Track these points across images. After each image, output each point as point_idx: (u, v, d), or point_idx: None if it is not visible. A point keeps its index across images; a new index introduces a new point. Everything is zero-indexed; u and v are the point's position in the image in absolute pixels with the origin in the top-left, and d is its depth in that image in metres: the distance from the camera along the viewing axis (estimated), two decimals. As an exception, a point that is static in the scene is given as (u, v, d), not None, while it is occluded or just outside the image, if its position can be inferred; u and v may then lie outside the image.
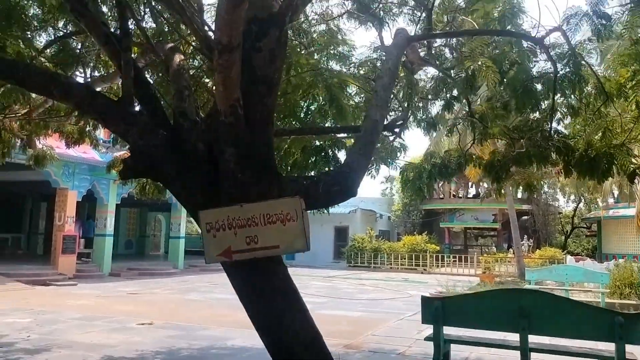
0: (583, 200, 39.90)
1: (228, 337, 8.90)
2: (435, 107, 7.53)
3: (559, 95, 5.68)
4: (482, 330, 5.54)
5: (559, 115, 6.28)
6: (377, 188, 62.72)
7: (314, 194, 3.65)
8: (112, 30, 4.55)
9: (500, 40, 5.96)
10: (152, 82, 5.87)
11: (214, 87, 4.45)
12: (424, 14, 6.33)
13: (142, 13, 5.84)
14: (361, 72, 6.98)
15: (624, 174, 5.80)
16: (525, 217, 34.70)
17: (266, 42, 3.58)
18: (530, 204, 33.14)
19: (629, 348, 4.63)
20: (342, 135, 6.84)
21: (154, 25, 6.08)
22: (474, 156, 6.91)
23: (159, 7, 5.59)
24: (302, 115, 6.71)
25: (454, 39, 6.76)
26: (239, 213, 3.60)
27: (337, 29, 6.78)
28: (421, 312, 5.38)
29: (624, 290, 13.42)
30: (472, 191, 37.52)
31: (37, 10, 5.98)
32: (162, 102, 4.87)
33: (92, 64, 6.81)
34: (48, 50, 6.36)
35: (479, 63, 5.25)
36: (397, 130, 6.88)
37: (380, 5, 6.51)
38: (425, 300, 5.38)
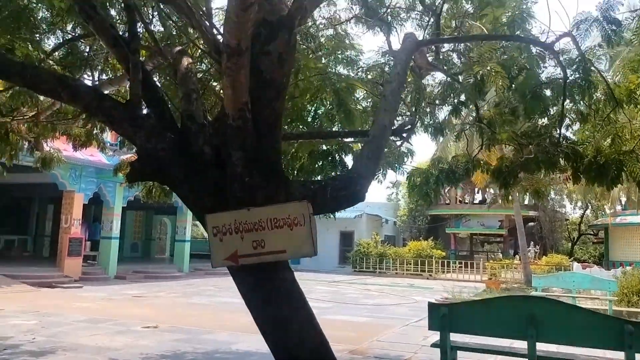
0: (590, 207, 39.69)
1: (233, 341, 8.87)
2: (443, 113, 7.51)
3: (568, 101, 5.65)
4: (489, 337, 5.49)
5: (567, 121, 6.25)
6: (383, 193, 62.74)
7: (322, 199, 3.63)
8: (121, 33, 4.56)
9: (509, 46, 5.93)
10: (159, 85, 5.88)
11: (221, 91, 4.44)
12: (432, 19, 6.32)
13: (151, 16, 5.86)
14: (369, 76, 6.96)
15: (633, 181, 5.76)
16: (532, 224, 34.53)
17: (275, 46, 3.58)
18: (537, 210, 32.96)
19: (638, 357, 4.57)
20: (349, 139, 6.82)
21: (162, 28, 6.09)
22: (481, 162, 6.88)
23: (167, 10, 5.60)
24: (309, 119, 6.70)
25: (462, 45, 6.74)
26: (246, 217, 3.58)
27: (345, 34, 6.77)
28: (428, 318, 5.33)
29: (631, 298, 13.29)
30: (478, 197, 37.39)
31: (46, 13, 5.99)
32: (169, 105, 4.88)
33: (100, 67, 6.83)
34: (56, 53, 6.38)
35: (488, 68, 5.23)
36: (405, 135, 6.86)
37: (388, 10, 6.50)
38: (432, 307, 5.32)
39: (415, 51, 5.34)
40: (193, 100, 4.14)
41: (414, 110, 6.78)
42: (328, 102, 6.25)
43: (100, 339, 8.74)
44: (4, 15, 5.14)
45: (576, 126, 6.51)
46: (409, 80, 6.35)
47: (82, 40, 6.36)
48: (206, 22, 4.31)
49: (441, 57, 6.75)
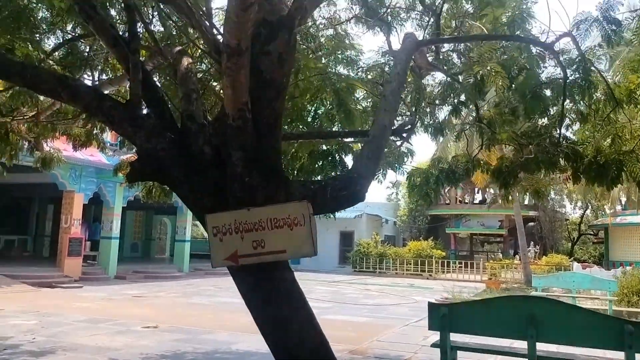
0: (590, 207, 39.70)
1: (233, 341, 8.88)
2: (443, 112, 7.51)
3: (568, 101, 5.64)
4: (489, 337, 5.49)
5: (567, 121, 6.25)
6: (383, 193, 62.75)
7: (322, 199, 3.63)
8: (120, 33, 4.55)
9: (509, 46, 5.93)
10: (159, 85, 5.87)
11: (221, 91, 4.44)
12: (432, 19, 6.32)
13: (151, 16, 5.85)
14: (369, 76, 6.96)
15: (633, 181, 5.76)
16: (532, 224, 34.52)
17: (275, 46, 3.57)
18: (537, 210, 32.96)
19: (638, 357, 4.57)
20: (349, 139, 6.82)
21: (162, 28, 6.09)
22: (481, 162, 6.88)
23: (167, 10, 5.60)
24: (309, 119, 6.70)
25: (462, 45, 6.74)
26: (246, 217, 3.58)
27: (345, 34, 6.77)
28: (428, 318, 5.33)
29: (631, 298, 13.28)
30: (478, 197, 37.38)
31: (46, 13, 5.99)
32: (169, 105, 4.87)
33: (100, 67, 6.83)
34: (56, 53, 6.38)
35: (488, 68, 5.22)
36: (405, 135, 6.86)
37: (388, 10, 6.50)
38: (432, 307, 5.32)
39: (415, 51, 5.34)
40: (193, 100, 4.14)
41: (414, 110, 6.78)
42: (328, 102, 6.25)
43: (100, 339, 8.74)
44: (4, 15, 5.14)
45: (576, 126, 6.51)
46: (409, 80, 6.35)
47: (82, 40, 6.36)
48: (206, 22, 4.31)
49: (441, 57, 6.75)
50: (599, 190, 23.07)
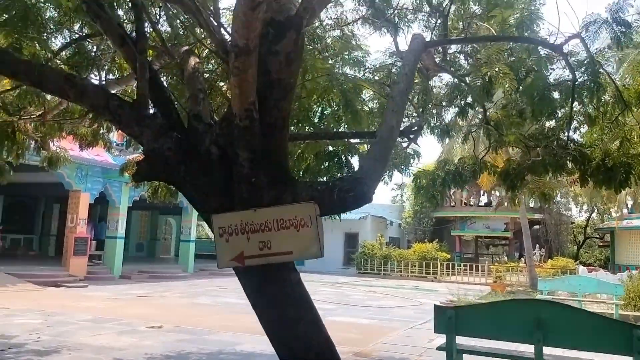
0: (596, 210, 39.51)
1: (237, 342, 8.86)
2: (449, 114, 7.48)
3: (576, 103, 5.61)
4: (495, 341, 5.46)
5: (575, 123, 6.21)
6: (387, 195, 62.69)
7: (329, 200, 3.60)
8: (128, 32, 4.55)
9: (517, 47, 5.90)
10: (166, 84, 5.87)
11: (228, 91, 4.43)
12: (439, 21, 6.30)
13: (158, 16, 5.86)
14: (376, 77, 6.94)
15: (641, 184, 5.72)
16: (537, 227, 34.41)
17: (283, 46, 3.54)
18: (543, 213, 32.86)
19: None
20: (355, 140, 6.80)
21: (169, 28, 6.09)
22: (488, 164, 6.85)
23: (175, 9, 5.59)
24: (316, 120, 6.68)
25: (470, 46, 6.71)
26: (252, 218, 3.56)
27: (352, 34, 6.75)
28: (434, 321, 5.30)
29: (638, 302, 13.20)
30: (483, 199, 37.27)
31: (54, 12, 6.00)
32: (176, 105, 4.87)
33: (107, 67, 6.83)
34: (63, 53, 6.38)
35: (496, 70, 5.19)
36: (412, 136, 6.83)
37: (395, 12, 6.48)
38: (438, 309, 5.30)
39: (422, 52, 5.31)
40: (200, 100, 4.13)
41: (421, 111, 6.76)
42: (335, 103, 6.23)
43: (104, 338, 8.75)
44: (12, 14, 5.14)
45: (584, 129, 6.47)
46: (416, 81, 6.33)
47: (89, 40, 6.37)
48: (214, 21, 4.31)
49: (448, 58, 6.72)
50: (605, 194, 22.95)
